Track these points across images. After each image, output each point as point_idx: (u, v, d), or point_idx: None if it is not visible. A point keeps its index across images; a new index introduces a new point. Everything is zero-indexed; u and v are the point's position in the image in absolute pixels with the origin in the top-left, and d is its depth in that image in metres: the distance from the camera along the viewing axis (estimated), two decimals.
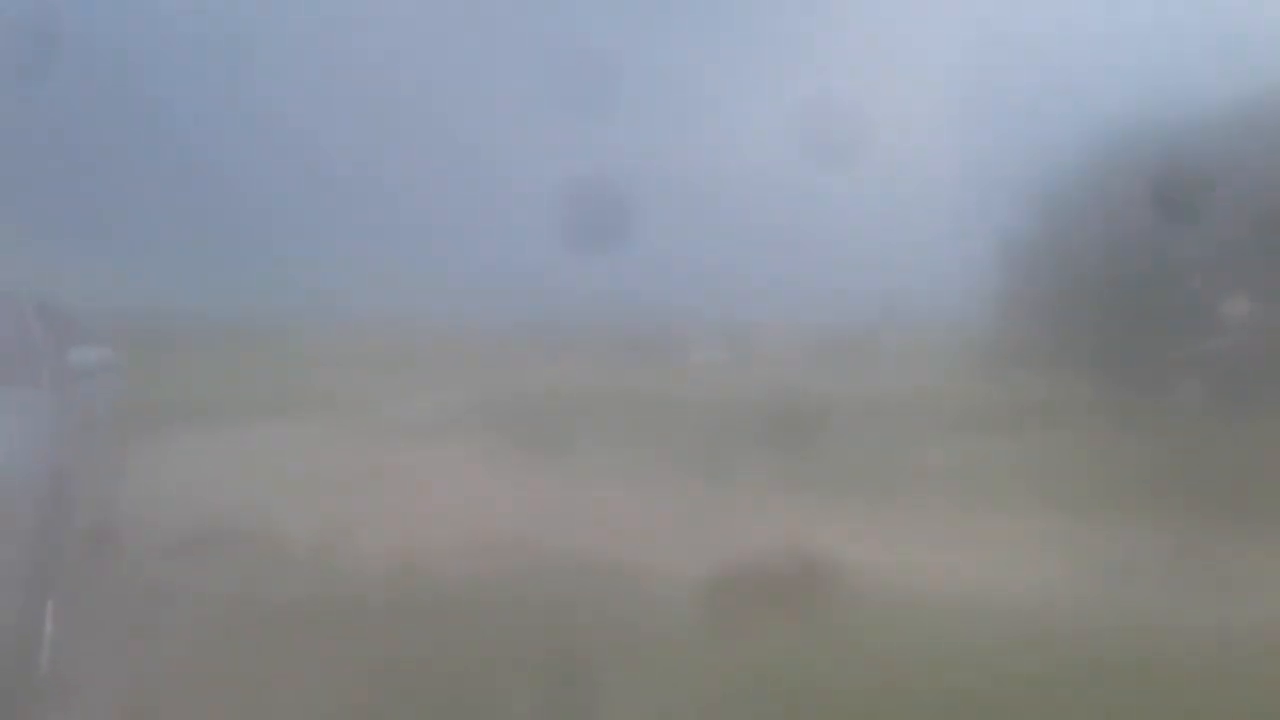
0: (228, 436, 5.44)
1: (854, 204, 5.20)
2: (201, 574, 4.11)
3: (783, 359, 5.35)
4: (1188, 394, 4.71)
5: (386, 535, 4.53)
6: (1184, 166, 4.68)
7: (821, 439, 5.03)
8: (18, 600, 3.32)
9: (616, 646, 3.69)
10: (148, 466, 4.56)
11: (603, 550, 4.43)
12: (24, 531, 3.35)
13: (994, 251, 5.15)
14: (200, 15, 5.64)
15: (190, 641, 3.70)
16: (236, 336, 5.59)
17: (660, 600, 4.08)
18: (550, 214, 5.55)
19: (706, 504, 4.99)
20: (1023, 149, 4.91)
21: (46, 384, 3.78)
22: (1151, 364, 4.77)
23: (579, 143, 5.49)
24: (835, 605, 4.05)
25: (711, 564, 4.31)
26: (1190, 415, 4.74)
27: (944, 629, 3.89)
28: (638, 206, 5.28)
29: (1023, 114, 4.89)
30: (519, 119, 5.80)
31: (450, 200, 6.12)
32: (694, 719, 3.43)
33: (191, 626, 3.78)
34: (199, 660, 3.63)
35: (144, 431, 4.73)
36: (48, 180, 5.24)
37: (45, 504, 3.46)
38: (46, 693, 3.44)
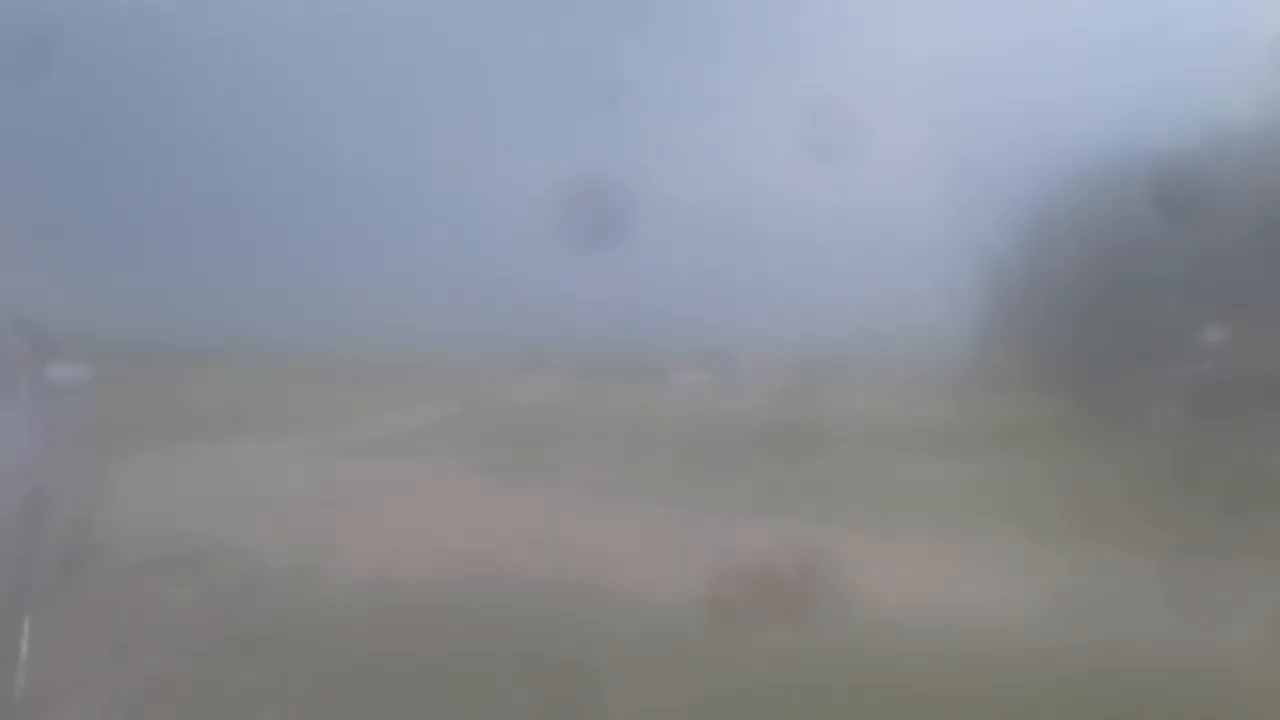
0: (203, 455, 5.38)
1: (834, 229, 5.21)
2: (177, 592, 4.06)
3: (763, 380, 5.35)
4: (1166, 419, 4.76)
5: (362, 553, 4.49)
6: (1163, 192, 4.74)
7: (802, 461, 5.04)
8: None
9: (595, 667, 3.68)
10: (124, 484, 4.51)
11: (579, 570, 4.41)
12: (0, 549, 3.30)
13: (974, 274, 5.18)
14: (188, 17, 5.57)
15: (167, 661, 3.66)
16: (212, 354, 5.55)
17: (638, 621, 4.07)
18: (531, 231, 5.52)
19: (683, 525, 4.99)
20: (1001, 173, 4.95)
21: (24, 400, 3.73)
22: (1130, 388, 4.82)
23: (561, 162, 5.46)
24: (816, 626, 4.06)
25: (689, 585, 4.30)
26: (1168, 440, 4.78)
27: (923, 651, 3.91)
28: (619, 225, 5.26)
29: (1002, 140, 4.94)
30: (504, 136, 5.76)
31: (424, 211, 6.06)
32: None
33: (168, 646, 3.74)
34: (175, 680, 3.59)
35: (120, 449, 4.67)
36: (24, 194, 5.17)
37: (22, 522, 3.40)
38: (22, 713, 3.38)
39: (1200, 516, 4.51)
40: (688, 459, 5.35)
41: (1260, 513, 4.45)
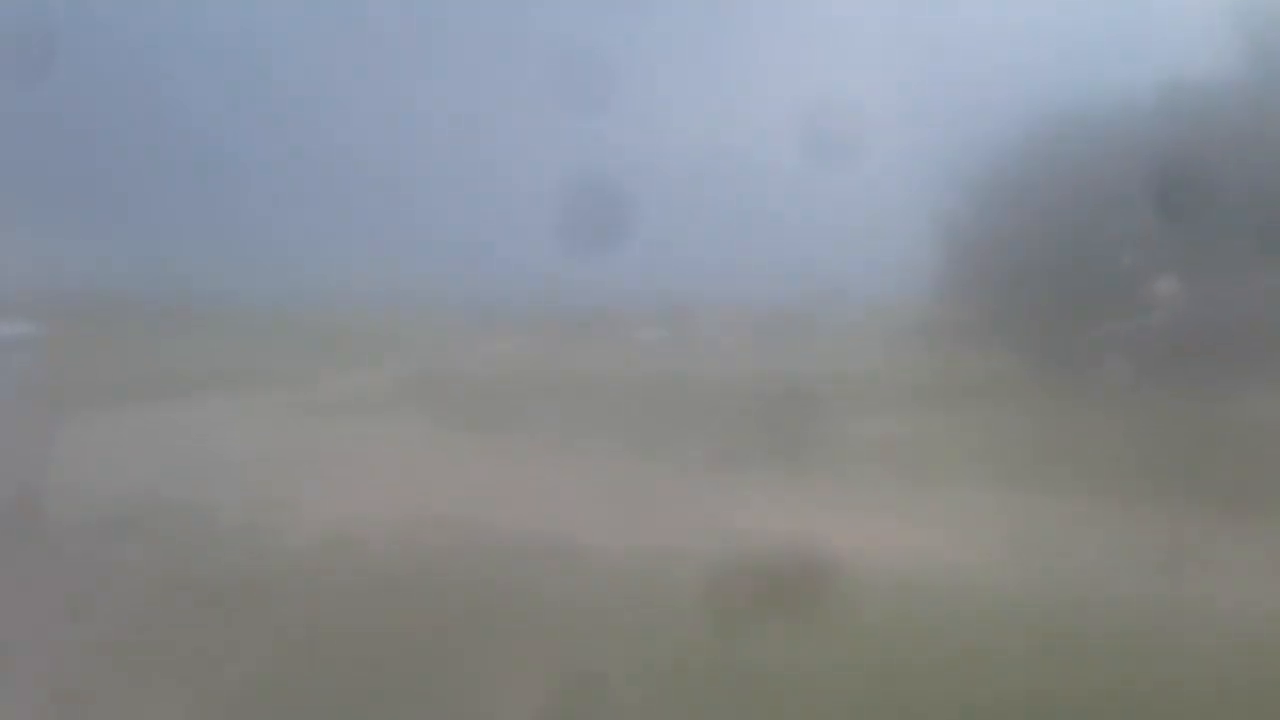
0: (157, 413, 5.36)
1: (800, 186, 5.20)
2: (128, 551, 4.05)
3: (727, 338, 5.35)
4: (1117, 371, 4.79)
5: (319, 512, 4.49)
6: (1115, 149, 4.74)
7: (764, 417, 5.05)
8: None
9: (551, 626, 3.69)
10: (75, 443, 4.49)
11: (540, 528, 4.42)
12: None
13: (933, 232, 5.18)
14: None
15: (116, 619, 3.66)
16: (166, 312, 5.52)
17: (599, 579, 4.08)
18: (499, 193, 5.50)
19: (647, 483, 5.00)
20: (960, 135, 4.96)
21: None
22: (1082, 342, 4.84)
23: (533, 128, 5.42)
24: (780, 582, 4.08)
25: (652, 543, 4.31)
26: (1120, 391, 4.82)
27: (888, 603, 3.93)
28: (585, 191, 5.25)
29: (962, 104, 4.94)
30: (489, 118, 5.73)
31: (394, 174, 6.01)
32: (632, 699, 3.44)
33: (117, 604, 3.74)
34: (125, 638, 3.59)
35: (72, 408, 4.65)
36: None
37: None
38: None
39: (1151, 468, 4.54)
40: (651, 416, 5.35)
41: (1211, 464, 4.48)
